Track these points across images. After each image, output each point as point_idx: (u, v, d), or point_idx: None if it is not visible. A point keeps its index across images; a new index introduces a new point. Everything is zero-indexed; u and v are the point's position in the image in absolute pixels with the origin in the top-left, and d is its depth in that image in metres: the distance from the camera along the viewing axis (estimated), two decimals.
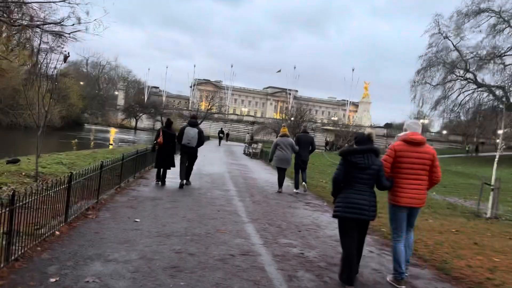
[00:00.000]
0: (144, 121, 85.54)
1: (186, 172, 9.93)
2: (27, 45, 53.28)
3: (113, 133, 62.67)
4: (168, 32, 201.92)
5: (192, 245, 4.92)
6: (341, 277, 4.18)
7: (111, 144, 34.44)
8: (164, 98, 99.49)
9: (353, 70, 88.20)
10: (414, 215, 4.43)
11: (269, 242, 5.43)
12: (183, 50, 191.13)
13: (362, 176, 4.15)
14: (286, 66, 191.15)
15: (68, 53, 9.07)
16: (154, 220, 6.07)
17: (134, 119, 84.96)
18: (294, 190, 10.59)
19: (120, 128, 78.90)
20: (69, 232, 5.07)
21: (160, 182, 9.85)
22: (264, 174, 14.78)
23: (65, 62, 8.85)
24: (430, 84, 49.00)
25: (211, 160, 17.90)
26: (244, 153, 27.64)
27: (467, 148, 54.82)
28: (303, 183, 10.79)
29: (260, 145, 25.98)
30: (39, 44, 52.19)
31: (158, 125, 77.38)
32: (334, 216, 4.32)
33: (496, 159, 11.41)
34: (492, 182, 10.79)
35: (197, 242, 5.09)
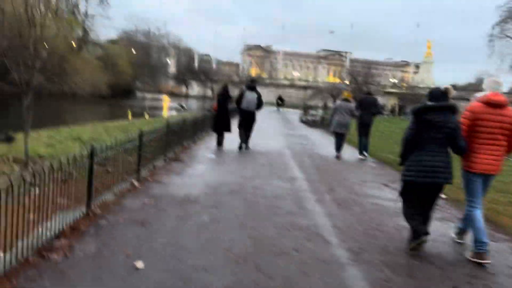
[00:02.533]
0: (195, 88, 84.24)
1: (246, 136, 9.99)
2: (75, 11, 52.46)
3: (166, 101, 60.96)
4: None
5: None
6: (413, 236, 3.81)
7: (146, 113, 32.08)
8: (214, 65, 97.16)
9: (418, 26, 79.26)
10: (488, 184, 4.03)
11: None
12: (227, 16, 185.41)
13: (437, 135, 3.76)
14: (334, 27, 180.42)
15: None
16: (172, 261, 3.20)
17: (185, 87, 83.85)
18: (359, 156, 10.21)
19: (171, 95, 77.87)
20: None
21: (218, 147, 9.90)
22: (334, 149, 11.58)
23: None
24: (510, 38, 41.98)
25: (266, 131, 14.88)
26: (302, 121, 24.37)
27: None
28: (364, 152, 10.19)
29: (320, 112, 22.57)
30: (86, 10, 51.12)
31: (209, 92, 75.83)
32: (404, 181, 3.97)
33: None
34: None
35: None
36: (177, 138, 8.72)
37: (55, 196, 3.83)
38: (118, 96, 46.69)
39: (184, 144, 9.48)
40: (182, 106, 40.59)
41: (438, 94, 3.90)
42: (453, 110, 3.83)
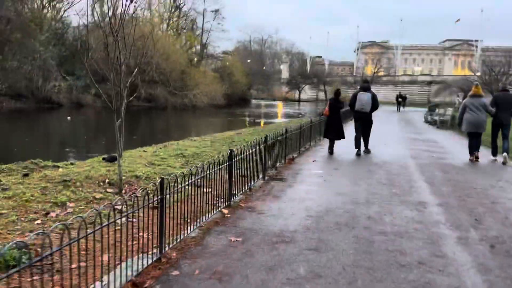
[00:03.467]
0: (307, 92, 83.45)
1: (364, 140, 9.71)
2: (194, 27, 56.17)
3: (280, 107, 61.19)
4: None
5: None
6: None
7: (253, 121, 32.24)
8: (326, 66, 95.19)
9: None
10: None
11: None
12: (339, 15, 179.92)
13: None
14: (458, 15, 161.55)
15: None
16: None
17: (297, 91, 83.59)
18: (491, 158, 9.20)
19: (284, 101, 78.33)
20: None
21: (329, 156, 9.46)
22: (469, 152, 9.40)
23: (131, 2, 5.64)
24: None
25: (384, 135, 13.13)
26: (426, 122, 21.54)
27: None
28: (504, 153, 8.85)
29: (450, 110, 19.58)
30: (203, 25, 54.14)
31: (321, 95, 74.19)
32: None
33: None
34: None
35: None
36: (279, 151, 7.85)
37: (126, 237, 3.18)
38: (233, 105, 48.41)
39: (289, 156, 8.55)
40: (299, 113, 40.24)
41: None
42: None
